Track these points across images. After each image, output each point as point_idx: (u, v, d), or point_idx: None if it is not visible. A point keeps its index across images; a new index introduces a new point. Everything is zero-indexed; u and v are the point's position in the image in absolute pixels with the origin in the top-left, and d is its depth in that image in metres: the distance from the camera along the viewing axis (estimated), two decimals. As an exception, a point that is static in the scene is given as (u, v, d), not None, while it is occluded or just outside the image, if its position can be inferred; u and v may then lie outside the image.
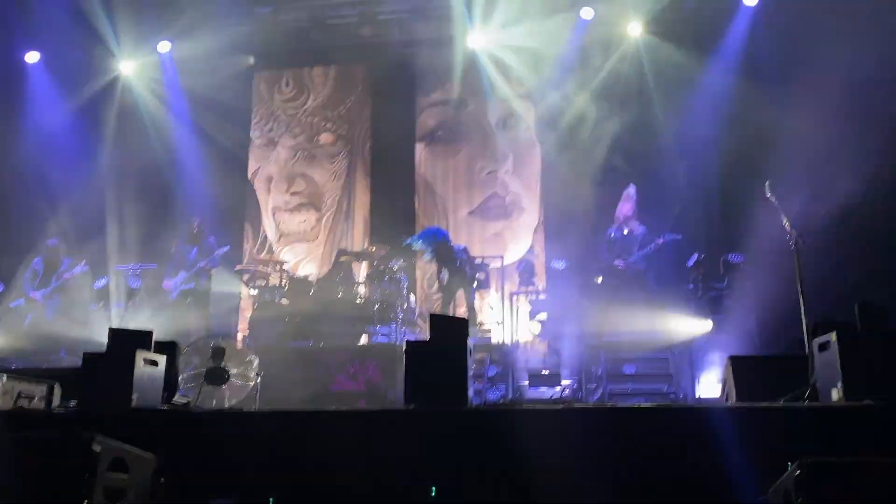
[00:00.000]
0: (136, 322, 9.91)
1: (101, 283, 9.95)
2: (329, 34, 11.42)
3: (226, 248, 9.37)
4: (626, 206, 9.06)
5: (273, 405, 7.00)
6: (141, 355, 5.01)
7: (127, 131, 11.99)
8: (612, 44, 10.88)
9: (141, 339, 5.25)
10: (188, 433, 4.67)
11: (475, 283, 9.42)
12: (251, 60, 11.68)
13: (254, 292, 9.37)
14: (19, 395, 5.06)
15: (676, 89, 10.73)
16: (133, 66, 11.61)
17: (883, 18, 8.53)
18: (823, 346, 4.39)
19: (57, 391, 5.38)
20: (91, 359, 5.12)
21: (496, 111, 11.41)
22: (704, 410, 4.52)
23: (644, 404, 6.27)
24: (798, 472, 3.22)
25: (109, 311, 9.82)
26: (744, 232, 8.82)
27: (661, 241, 8.88)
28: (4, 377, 5.01)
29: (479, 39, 11.04)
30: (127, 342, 5.11)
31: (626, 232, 9.09)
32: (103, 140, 12.03)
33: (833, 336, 4.24)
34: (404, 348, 4.80)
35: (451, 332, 4.79)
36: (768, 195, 6.09)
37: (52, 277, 9.66)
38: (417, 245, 9.35)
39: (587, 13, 10.60)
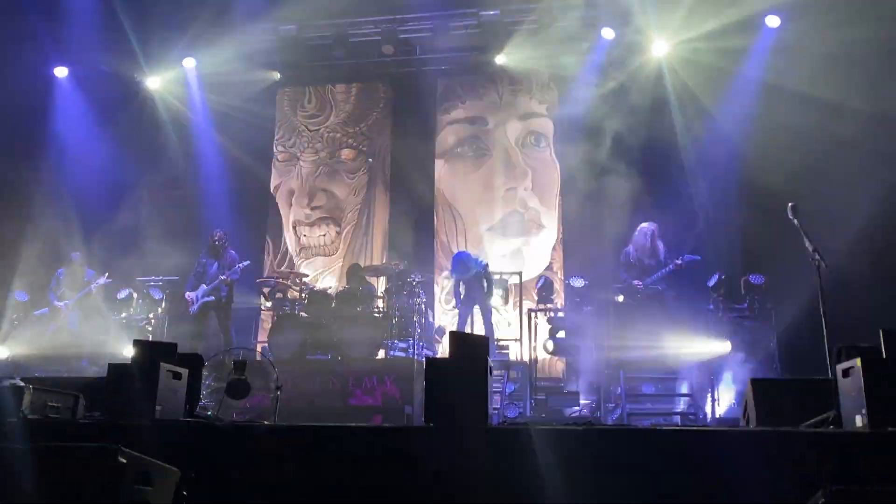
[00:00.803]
0: (157, 333, 10.05)
1: (124, 294, 10.07)
2: (351, 52, 11.55)
3: (246, 263, 9.45)
4: (644, 241, 8.95)
5: (291, 418, 7.05)
6: (165, 367, 5.07)
7: (151, 145, 12.20)
8: (635, 63, 10.92)
9: (165, 351, 5.31)
10: (210, 446, 4.70)
11: (493, 298, 9.45)
12: (276, 76, 11.83)
13: (273, 305, 9.45)
14: (46, 405, 5.14)
15: (699, 109, 10.75)
16: (158, 82, 11.84)
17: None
18: (847, 372, 4.35)
19: (82, 402, 5.45)
20: (116, 370, 5.18)
21: (516, 129, 11.48)
22: (725, 434, 4.50)
23: (664, 426, 6.24)
24: (823, 500, 3.19)
25: (131, 322, 9.93)
26: (765, 253, 8.79)
27: (680, 261, 8.87)
28: (31, 388, 5.08)
29: (502, 58, 11.13)
30: (151, 354, 5.17)
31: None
32: (128, 154, 12.24)
33: (857, 362, 4.20)
34: (424, 365, 4.81)
35: (471, 349, 4.80)
36: (791, 217, 6.07)
37: (75, 288, 9.79)
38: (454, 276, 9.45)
39: (608, 33, 10.66)
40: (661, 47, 10.54)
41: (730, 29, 10.18)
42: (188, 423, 5.10)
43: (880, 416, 4.08)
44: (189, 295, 9.36)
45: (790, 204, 6.01)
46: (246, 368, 6.75)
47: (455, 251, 11.12)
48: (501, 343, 9.81)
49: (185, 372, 5.29)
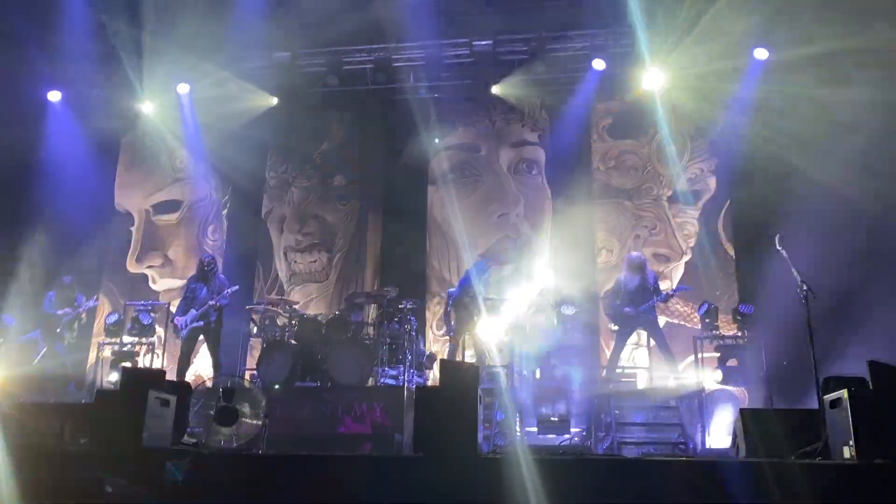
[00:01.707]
0: (146, 359, 9.99)
1: (113, 318, 10.01)
2: (345, 79, 11.63)
3: (235, 288, 9.42)
4: (634, 270, 8.99)
5: (280, 445, 6.99)
6: (153, 395, 5.04)
7: (143, 169, 12.24)
8: (625, 93, 11.07)
9: (153, 378, 5.28)
10: (197, 475, 4.66)
11: (483, 325, 9.43)
12: (273, 101, 11.85)
13: (262, 331, 9.39)
14: (32, 433, 5.09)
15: (688, 139, 10.92)
16: (152, 107, 11.89)
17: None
18: (835, 403, 4.37)
19: (68, 428, 5.40)
20: (104, 397, 5.16)
21: (508, 156, 11.57)
22: (716, 464, 4.49)
23: (654, 456, 6.23)
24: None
25: (120, 346, 9.88)
26: (755, 283, 8.86)
27: (672, 291, 8.99)
28: (17, 415, 5.04)
29: (495, 87, 11.27)
30: (139, 382, 5.15)
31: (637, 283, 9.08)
32: (119, 177, 12.28)
33: (844, 394, 4.23)
34: (414, 394, 4.80)
35: (461, 378, 4.80)
36: (778, 248, 6.15)
37: (68, 309, 9.75)
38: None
39: (599, 64, 10.81)
40: (652, 78, 10.67)
41: (720, 59, 10.35)
42: (175, 452, 5.05)
43: (867, 447, 4.10)
44: (178, 320, 9.31)
45: (777, 234, 6.11)
46: (234, 395, 6.72)
47: (447, 277, 11.17)
48: (493, 370, 9.76)
49: (172, 399, 5.26)
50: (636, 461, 4.74)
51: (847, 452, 4.21)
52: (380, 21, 10.55)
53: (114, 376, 9.39)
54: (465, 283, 9.53)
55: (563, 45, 10.89)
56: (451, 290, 9.79)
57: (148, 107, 11.88)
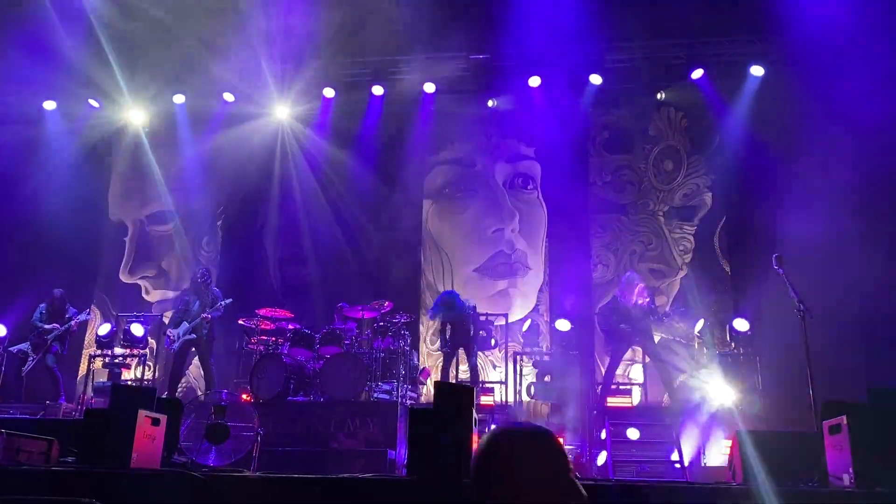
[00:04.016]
0: (137, 371, 9.90)
1: (106, 330, 9.91)
2: (341, 91, 11.58)
3: (229, 300, 9.35)
4: (631, 289, 8.95)
5: (272, 462, 6.91)
6: (143, 414, 4.96)
7: (137, 179, 12.17)
8: (621, 107, 11.07)
9: (144, 396, 5.21)
10: (187, 496, 4.58)
11: (479, 340, 9.38)
12: (271, 113, 11.79)
13: (255, 345, 9.30)
14: (18, 451, 5.00)
15: (685, 154, 10.93)
16: (147, 117, 11.83)
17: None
18: (834, 429, 4.33)
19: (56, 446, 5.32)
20: (93, 415, 5.08)
21: (504, 171, 11.52)
22: (714, 490, 4.44)
23: (651, 480, 6.16)
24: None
25: (112, 358, 9.78)
26: (751, 301, 8.84)
27: (670, 311, 8.95)
28: (4, 432, 4.95)
29: (491, 100, 11.26)
30: (129, 400, 5.07)
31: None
32: (113, 187, 12.21)
33: (844, 420, 4.18)
34: (409, 414, 4.73)
35: (456, 400, 4.74)
36: (776, 267, 6.13)
37: (58, 324, 9.63)
38: (438, 317, 9.46)
39: (596, 79, 10.81)
40: (652, 93, 10.70)
41: (714, 79, 10.39)
42: (164, 473, 4.98)
43: (867, 475, 4.05)
44: (171, 332, 9.23)
45: (775, 255, 6.09)
46: (226, 412, 6.65)
47: (441, 291, 11.10)
48: (486, 386, 9.71)
49: (163, 418, 5.19)
50: (632, 486, 4.68)
51: (846, 479, 4.16)
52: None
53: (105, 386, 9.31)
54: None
55: (560, 60, 10.86)
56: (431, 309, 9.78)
57: (143, 117, 11.83)
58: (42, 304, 9.75)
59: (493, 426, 8.53)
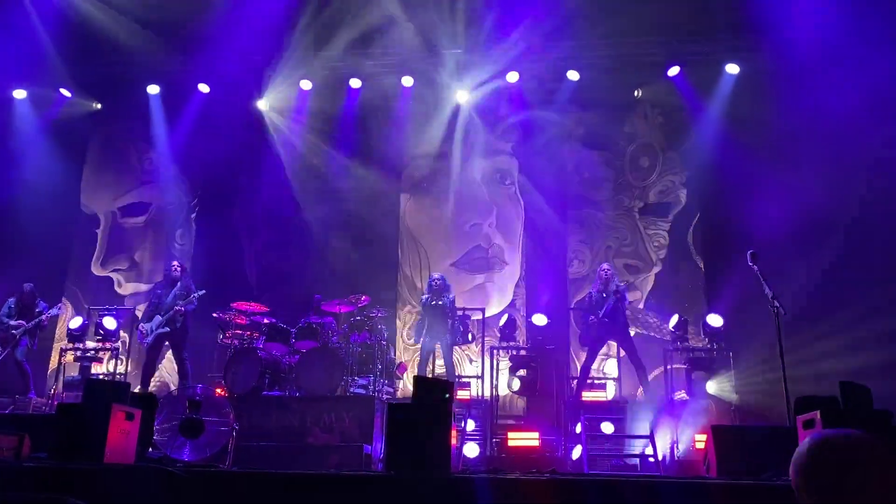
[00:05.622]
0: (109, 366, 9.76)
1: (77, 324, 9.75)
2: (318, 83, 11.48)
3: (202, 292, 9.23)
4: (603, 281, 9.00)
5: (247, 457, 6.86)
6: (117, 409, 4.89)
7: (110, 170, 11.98)
8: (600, 104, 11.11)
9: (118, 391, 5.13)
10: (162, 491, 4.53)
11: (456, 334, 9.37)
12: (253, 104, 11.63)
13: (230, 338, 9.20)
14: (-12, 447, 4.91)
15: (660, 151, 11.02)
16: (120, 107, 11.65)
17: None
18: (808, 424, 4.40)
19: (27, 442, 5.22)
20: (65, 410, 4.99)
21: (481, 166, 11.51)
22: (685, 485, 4.48)
23: (625, 474, 6.21)
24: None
25: (83, 352, 9.63)
26: (725, 297, 8.94)
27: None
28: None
29: (465, 95, 11.22)
30: (103, 394, 4.99)
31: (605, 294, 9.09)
32: (85, 179, 12.00)
33: (818, 415, 4.25)
34: (387, 409, 4.72)
35: (434, 394, 4.73)
36: (750, 264, 6.19)
37: (26, 318, 9.44)
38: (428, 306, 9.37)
39: (573, 75, 10.85)
40: (629, 90, 10.77)
41: (692, 76, 10.47)
42: (139, 468, 4.91)
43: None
44: (143, 326, 9.11)
45: (749, 251, 6.15)
46: (201, 406, 6.59)
47: (418, 286, 11.09)
48: (463, 380, 9.72)
49: (137, 413, 5.12)
50: (608, 480, 4.71)
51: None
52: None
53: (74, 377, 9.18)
54: (434, 287, 9.46)
55: (537, 56, 10.87)
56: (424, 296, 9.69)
57: (117, 107, 11.63)
58: (11, 299, 9.53)
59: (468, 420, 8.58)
